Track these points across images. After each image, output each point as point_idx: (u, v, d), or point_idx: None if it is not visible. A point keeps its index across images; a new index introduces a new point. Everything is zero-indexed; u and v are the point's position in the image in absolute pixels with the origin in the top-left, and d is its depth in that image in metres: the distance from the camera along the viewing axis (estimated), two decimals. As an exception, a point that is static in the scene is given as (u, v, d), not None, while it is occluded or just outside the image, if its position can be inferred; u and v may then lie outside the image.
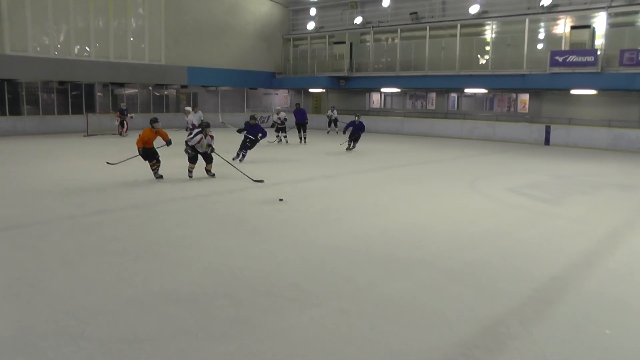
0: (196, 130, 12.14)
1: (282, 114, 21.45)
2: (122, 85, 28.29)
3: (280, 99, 36.46)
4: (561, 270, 6.33)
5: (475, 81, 26.41)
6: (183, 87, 31.04)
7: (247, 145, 15.16)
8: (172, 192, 10.73)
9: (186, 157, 12.18)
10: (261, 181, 11.70)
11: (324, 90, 33.59)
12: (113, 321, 4.59)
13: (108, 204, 9.52)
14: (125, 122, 24.22)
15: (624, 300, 5.43)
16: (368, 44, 30.81)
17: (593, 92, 23.59)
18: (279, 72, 34.32)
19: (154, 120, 12.01)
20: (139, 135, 11.90)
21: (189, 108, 23.24)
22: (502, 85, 25.83)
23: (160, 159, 12.13)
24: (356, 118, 18.68)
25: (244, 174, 11.94)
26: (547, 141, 24.51)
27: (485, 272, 6.19)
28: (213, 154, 12.26)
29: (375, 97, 33.05)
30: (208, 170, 12.43)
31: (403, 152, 19.85)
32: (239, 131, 15.43)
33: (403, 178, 13.67)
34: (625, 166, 17.23)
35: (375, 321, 4.71)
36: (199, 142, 11.90)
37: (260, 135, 15.07)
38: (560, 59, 23.18)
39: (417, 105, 31.60)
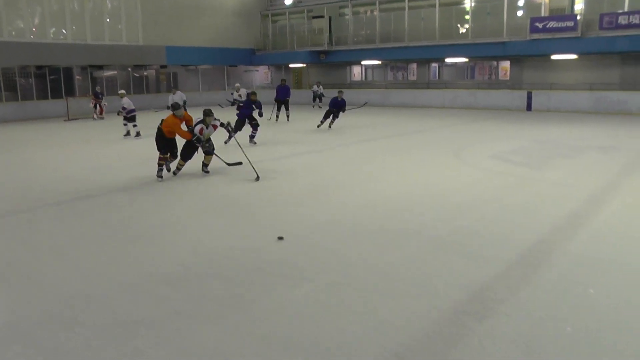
0: (196, 120, 10.25)
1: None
2: (100, 67, 27.95)
3: (260, 76, 36.25)
4: (546, 234, 6.44)
5: (455, 50, 26.41)
6: (162, 67, 30.74)
7: (239, 125, 14.30)
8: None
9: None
10: (239, 163, 10.50)
11: (305, 65, 33.43)
12: (106, 306, 4.62)
13: (94, 189, 9.47)
14: (99, 105, 23.95)
15: (607, 259, 5.56)
16: (347, 17, 30.65)
17: (574, 56, 23.76)
18: (259, 48, 34.07)
19: (175, 107, 10.11)
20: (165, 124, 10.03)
21: (123, 91, 18.67)
22: (483, 53, 25.88)
23: (176, 153, 10.34)
24: (338, 94, 18.04)
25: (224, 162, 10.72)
26: (529, 107, 24.71)
27: (472, 239, 6.29)
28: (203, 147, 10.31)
29: (356, 70, 32.98)
30: (205, 165, 10.53)
31: (387, 124, 19.90)
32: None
33: (388, 150, 13.74)
34: (606, 128, 17.46)
35: (365, 293, 4.78)
36: (199, 131, 10.03)
37: (259, 111, 14.60)
38: (540, 25, 23.24)
39: (398, 76, 31.62)
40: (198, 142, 10.04)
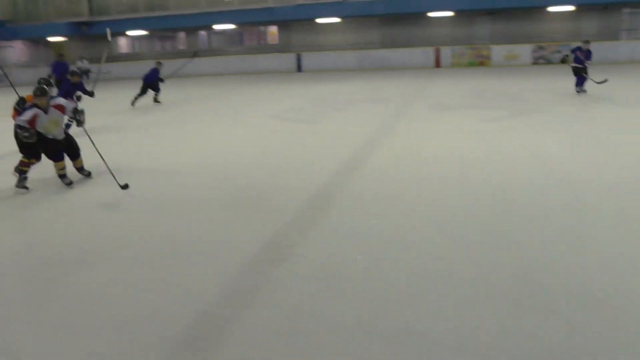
0: (28, 105, 6.94)
1: None
2: None
3: (17, 52, 32.86)
4: (327, 179, 6.79)
5: (223, 17, 26.47)
6: None
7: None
8: None
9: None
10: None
11: (66, 39, 30.98)
12: None
13: None
14: None
15: (383, 194, 6.05)
16: (104, -17, 28.93)
17: (338, 20, 25.26)
18: (9, 20, 30.58)
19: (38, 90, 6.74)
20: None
21: None
22: (251, 19, 26.24)
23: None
24: (157, 65, 16.13)
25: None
26: (299, 68, 25.77)
27: (260, 194, 6.38)
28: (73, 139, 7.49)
29: (123, 41, 31.46)
30: (79, 169, 7.61)
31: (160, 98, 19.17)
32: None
33: (163, 122, 13.19)
34: (372, 83, 18.93)
35: (166, 262, 4.55)
36: (31, 120, 6.59)
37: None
38: (304, -9, 24.33)
39: (167, 46, 30.83)
40: (20, 130, 6.61)
